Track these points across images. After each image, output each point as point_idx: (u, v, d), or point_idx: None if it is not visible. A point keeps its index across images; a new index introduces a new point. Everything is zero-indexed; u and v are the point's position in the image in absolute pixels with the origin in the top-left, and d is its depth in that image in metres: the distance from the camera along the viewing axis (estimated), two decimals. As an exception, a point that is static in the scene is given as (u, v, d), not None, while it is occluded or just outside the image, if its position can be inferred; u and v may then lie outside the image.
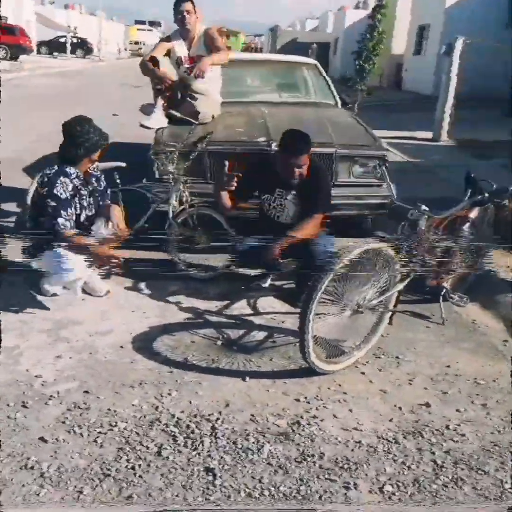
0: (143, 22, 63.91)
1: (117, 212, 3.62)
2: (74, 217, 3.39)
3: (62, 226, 3.30)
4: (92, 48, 38.24)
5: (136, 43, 52.40)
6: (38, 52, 33.53)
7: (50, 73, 22.50)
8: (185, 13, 4.45)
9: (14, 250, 3.64)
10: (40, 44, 34.84)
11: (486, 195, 3.38)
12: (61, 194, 3.30)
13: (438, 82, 10.63)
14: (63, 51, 34.39)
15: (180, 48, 4.57)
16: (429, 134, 10.09)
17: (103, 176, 3.68)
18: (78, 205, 3.45)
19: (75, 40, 36.30)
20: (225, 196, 3.50)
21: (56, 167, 3.40)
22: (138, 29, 57.93)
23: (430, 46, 18.71)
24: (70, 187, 3.35)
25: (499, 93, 14.01)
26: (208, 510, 2.03)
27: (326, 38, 30.78)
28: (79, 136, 3.35)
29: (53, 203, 3.30)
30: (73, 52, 35.02)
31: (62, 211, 3.30)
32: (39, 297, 3.52)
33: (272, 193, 3.58)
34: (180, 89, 4.45)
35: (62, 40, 35.46)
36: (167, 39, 4.70)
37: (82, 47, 37.12)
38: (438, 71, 12.44)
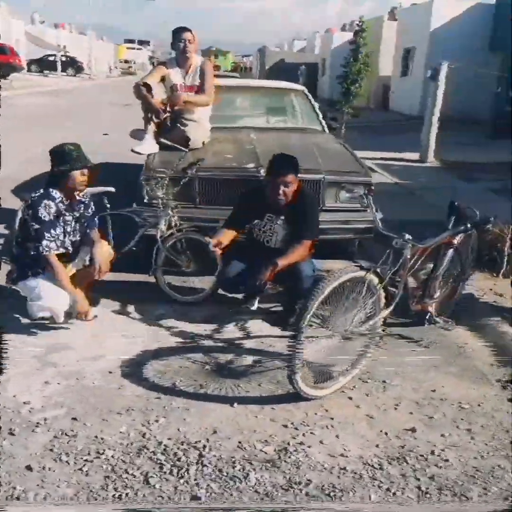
0: (132, 41, 64.48)
1: (99, 252, 3.57)
2: (59, 238, 3.42)
3: (46, 249, 3.35)
4: (82, 67, 38.46)
5: (126, 61, 52.85)
6: (29, 70, 33.67)
7: (40, 91, 22.59)
8: (186, 42, 4.54)
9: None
10: (30, 62, 34.99)
11: (469, 225, 3.46)
12: (44, 216, 3.35)
13: (424, 103, 10.83)
14: (54, 69, 34.56)
15: (176, 76, 4.64)
16: (416, 155, 10.24)
17: (92, 203, 3.71)
18: (62, 229, 3.47)
19: (64, 59, 36.49)
20: (219, 242, 3.53)
21: (41, 190, 3.45)
22: (127, 48, 58.49)
23: (416, 68, 19.05)
24: (53, 210, 3.39)
25: (484, 115, 14.29)
26: None
27: (314, 59, 31.17)
28: (60, 161, 3.42)
29: (36, 226, 3.35)
30: (63, 70, 35.19)
31: (45, 233, 3.34)
32: (26, 322, 3.52)
33: (262, 218, 3.64)
34: (170, 115, 4.53)
35: (52, 58, 35.64)
36: (163, 64, 4.77)
37: (72, 65, 37.31)
38: (425, 92, 12.68)
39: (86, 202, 3.65)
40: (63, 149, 3.45)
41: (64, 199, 3.46)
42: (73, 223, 3.55)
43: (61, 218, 3.45)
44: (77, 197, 3.57)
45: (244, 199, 3.75)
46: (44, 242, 3.34)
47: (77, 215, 3.57)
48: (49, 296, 3.36)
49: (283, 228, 3.61)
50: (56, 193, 3.43)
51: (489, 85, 14.53)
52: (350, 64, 11.01)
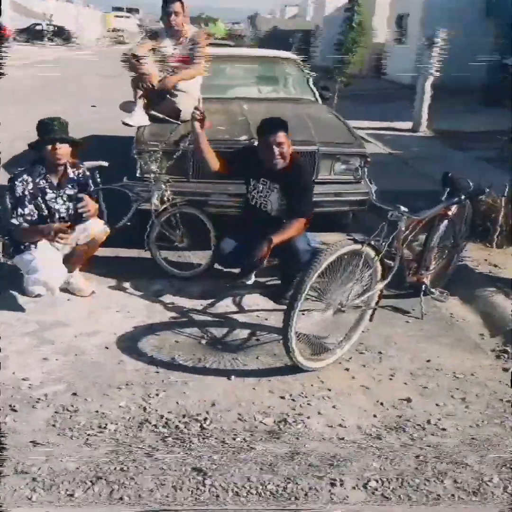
0: (121, 9, 62.79)
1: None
2: (32, 217, 3.36)
3: (14, 226, 3.33)
4: (70, 36, 37.54)
5: (114, 30, 51.57)
6: (14, 39, 32.86)
7: (27, 63, 22.07)
8: (173, 14, 4.42)
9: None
10: (16, 32, 34.11)
11: (463, 197, 3.46)
12: (17, 192, 3.31)
13: (417, 71, 10.69)
14: (40, 39, 33.75)
15: (166, 47, 4.54)
16: (408, 125, 10.16)
17: (90, 181, 3.65)
18: (43, 207, 3.41)
19: (52, 28, 35.60)
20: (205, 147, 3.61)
21: (27, 165, 3.40)
22: (115, 16, 56.93)
23: (410, 35, 18.75)
24: (30, 186, 3.34)
25: (478, 82, 14.14)
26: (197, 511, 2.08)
27: (306, 26, 30.61)
28: (42, 134, 3.36)
29: (11, 201, 3.33)
30: (50, 40, 34.38)
31: (15, 210, 3.32)
32: (21, 299, 3.50)
33: (257, 179, 3.61)
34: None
35: (39, 27, 34.78)
36: (154, 34, 4.65)
37: (60, 35, 36.40)
38: (418, 60, 12.48)
39: (82, 181, 3.57)
40: (40, 122, 3.39)
41: (47, 176, 3.40)
42: (61, 200, 3.48)
43: (41, 196, 3.39)
44: (70, 175, 3.51)
45: (244, 151, 3.82)
46: (13, 220, 3.32)
47: (70, 193, 3.50)
48: (45, 269, 3.33)
49: (278, 198, 3.58)
50: (41, 169, 3.38)
51: (484, 52, 14.33)
52: (345, 32, 10.79)
